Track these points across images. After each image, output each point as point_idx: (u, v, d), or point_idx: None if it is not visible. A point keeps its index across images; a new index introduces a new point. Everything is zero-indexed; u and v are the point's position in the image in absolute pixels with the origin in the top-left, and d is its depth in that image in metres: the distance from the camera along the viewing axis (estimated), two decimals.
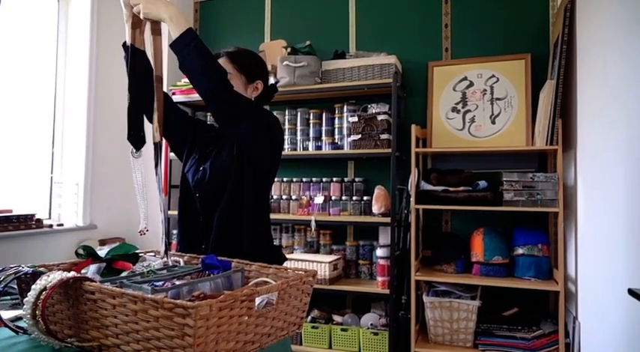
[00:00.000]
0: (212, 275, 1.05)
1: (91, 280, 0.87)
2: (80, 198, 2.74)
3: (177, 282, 0.97)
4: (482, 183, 2.27)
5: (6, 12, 2.49)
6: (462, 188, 2.27)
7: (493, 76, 2.50)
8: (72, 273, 0.87)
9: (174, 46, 1.22)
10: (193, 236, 1.43)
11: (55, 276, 0.87)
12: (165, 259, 1.23)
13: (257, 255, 1.21)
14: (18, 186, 2.58)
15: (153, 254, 1.30)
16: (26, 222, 2.43)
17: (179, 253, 1.29)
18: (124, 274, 1.10)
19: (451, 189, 2.28)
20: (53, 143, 2.78)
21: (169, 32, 1.24)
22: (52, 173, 2.76)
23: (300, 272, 1.05)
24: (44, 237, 2.54)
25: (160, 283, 0.95)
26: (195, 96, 2.86)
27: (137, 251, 1.22)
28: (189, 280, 1.01)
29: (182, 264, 1.24)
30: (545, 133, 2.10)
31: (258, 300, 0.91)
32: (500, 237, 2.28)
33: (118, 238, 2.93)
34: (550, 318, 2.24)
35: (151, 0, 1.19)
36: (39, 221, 2.50)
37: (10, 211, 2.43)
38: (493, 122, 2.47)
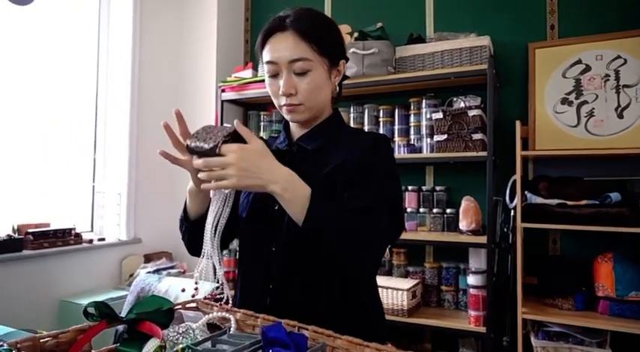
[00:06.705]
0: None
1: None
2: (123, 208, 2.47)
3: None
4: (615, 196, 1.74)
5: (45, 11, 2.26)
6: (584, 202, 1.76)
7: (618, 56, 1.96)
8: None
9: (300, 227, 0.83)
10: (256, 290, 1.03)
11: None
12: (210, 315, 0.86)
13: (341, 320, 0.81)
14: (57, 197, 2.34)
15: (195, 306, 0.94)
16: (64, 237, 2.18)
17: (230, 307, 0.92)
18: None
19: (569, 202, 1.77)
20: (95, 149, 2.53)
21: None
22: (94, 181, 2.51)
23: None
24: (84, 254, 2.28)
25: None
26: (248, 94, 2.51)
27: (171, 306, 0.86)
28: None
29: (233, 325, 0.86)
30: None
31: None
32: (636, 266, 1.75)
33: (164, 252, 2.65)
34: None
35: (248, 168, 0.79)
36: (78, 235, 2.25)
37: (48, 225, 2.19)
38: (620, 116, 1.93)
